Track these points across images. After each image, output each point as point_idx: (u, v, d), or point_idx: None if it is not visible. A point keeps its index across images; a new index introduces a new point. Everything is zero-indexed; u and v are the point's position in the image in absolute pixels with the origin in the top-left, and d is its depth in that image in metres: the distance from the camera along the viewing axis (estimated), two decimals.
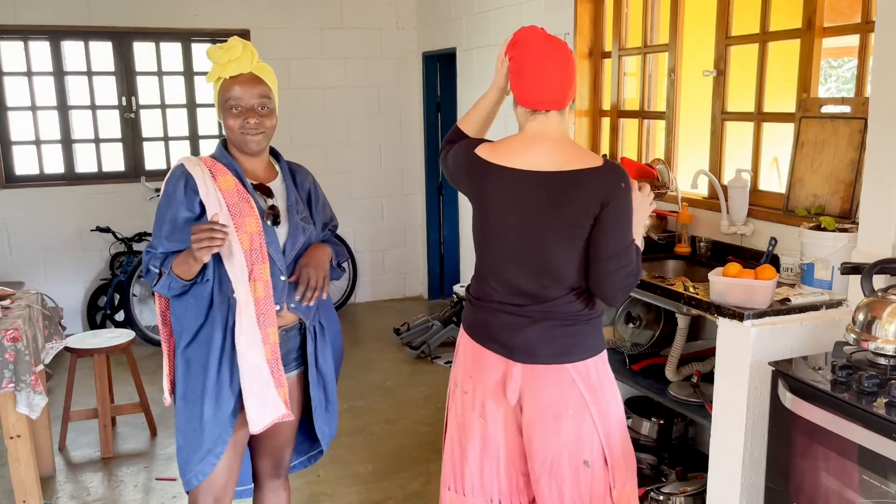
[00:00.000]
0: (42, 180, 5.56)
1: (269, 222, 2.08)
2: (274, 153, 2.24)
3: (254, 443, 2.31)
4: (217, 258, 2.02)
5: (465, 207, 5.77)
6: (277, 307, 2.09)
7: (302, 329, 2.21)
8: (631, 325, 3.30)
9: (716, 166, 3.35)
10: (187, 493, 2.17)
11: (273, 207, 2.10)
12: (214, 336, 2.06)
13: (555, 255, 1.93)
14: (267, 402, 2.07)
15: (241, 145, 2.08)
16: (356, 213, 6.34)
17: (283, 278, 2.10)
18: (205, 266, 2.02)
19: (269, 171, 2.19)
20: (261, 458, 2.34)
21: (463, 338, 2.16)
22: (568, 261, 1.94)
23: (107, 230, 5.52)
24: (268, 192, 2.13)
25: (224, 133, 2.12)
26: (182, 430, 2.13)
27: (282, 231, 2.12)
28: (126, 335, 3.91)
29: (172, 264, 2.02)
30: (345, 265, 2.32)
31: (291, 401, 2.22)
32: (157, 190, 5.47)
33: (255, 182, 2.13)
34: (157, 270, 2.05)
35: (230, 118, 2.04)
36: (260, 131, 2.05)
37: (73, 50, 5.53)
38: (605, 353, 2.06)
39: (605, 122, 4.16)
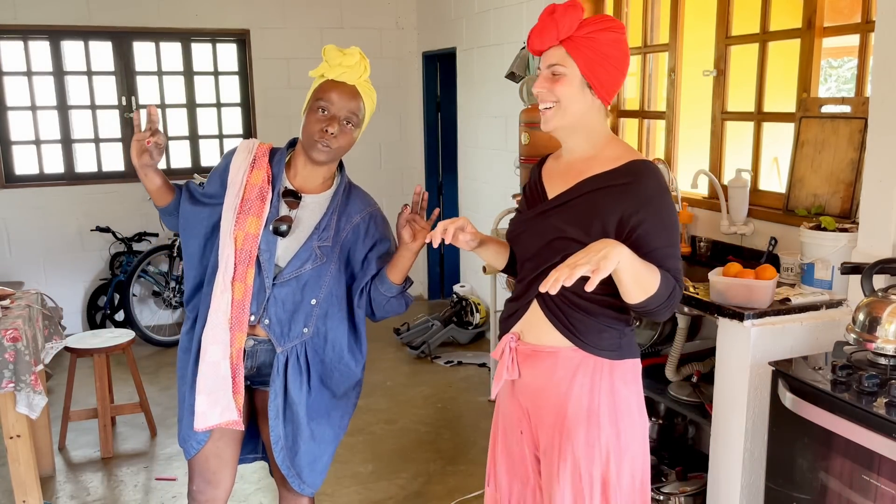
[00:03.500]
0: (42, 180, 5.56)
1: (270, 228, 1.99)
2: (341, 171, 2.14)
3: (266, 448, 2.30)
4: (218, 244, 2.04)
5: (465, 207, 5.78)
6: (252, 317, 2.03)
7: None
8: None
9: (716, 166, 3.35)
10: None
11: (285, 217, 2.01)
12: (196, 326, 2.08)
13: None
14: (218, 402, 2.02)
15: (308, 150, 1.99)
16: None
17: (267, 293, 2.01)
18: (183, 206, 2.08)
19: (322, 185, 2.09)
20: (272, 465, 2.28)
21: None
22: None
23: (107, 230, 5.52)
24: (296, 200, 2.04)
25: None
26: (179, 406, 2.17)
27: (288, 245, 2.03)
28: (126, 335, 3.91)
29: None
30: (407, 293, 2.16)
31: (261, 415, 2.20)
32: None
33: (290, 188, 2.05)
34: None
35: (312, 119, 1.96)
36: (333, 144, 1.96)
37: (73, 50, 5.53)
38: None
39: None
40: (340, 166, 2.16)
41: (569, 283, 1.51)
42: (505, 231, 4.28)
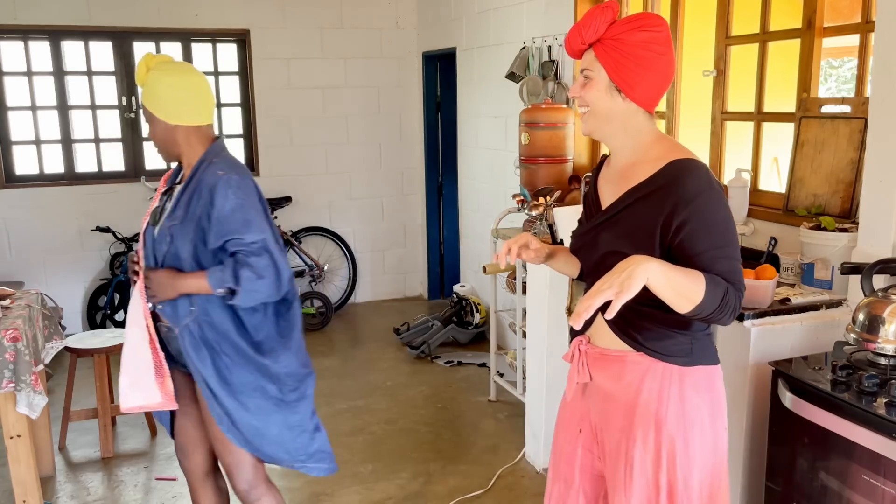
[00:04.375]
0: (42, 180, 5.56)
1: (149, 223, 2.22)
2: (208, 152, 2.18)
3: None
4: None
5: (465, 207, 5.78)
6: (150, 305, 2.21)
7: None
8: None
9: (716, 166, 3.35)
10: None
11: (155, 210, 2.23)
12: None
13: None
14: (141, 385, 2.17)
15: None
16: (356, 213, 6.34)
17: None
18: None
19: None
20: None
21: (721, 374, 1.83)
22: None
23: (107, 230, 5.52)
24: (169, 194, 2.25)
25: None
26: None
27: (156, 233, 2.22)
28: None
29: None
30: (222, 290, 2.08)
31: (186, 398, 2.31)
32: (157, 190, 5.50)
33: (175, 184, 2.28)
34: None
35: None
36: (156, 146, 2.21)
37: (73, 50, 5.53)
38: None
39: None
40: (215, 149, 2.20)
41: (588, 316, 1.46)
42: (505, 231, 4.26)
